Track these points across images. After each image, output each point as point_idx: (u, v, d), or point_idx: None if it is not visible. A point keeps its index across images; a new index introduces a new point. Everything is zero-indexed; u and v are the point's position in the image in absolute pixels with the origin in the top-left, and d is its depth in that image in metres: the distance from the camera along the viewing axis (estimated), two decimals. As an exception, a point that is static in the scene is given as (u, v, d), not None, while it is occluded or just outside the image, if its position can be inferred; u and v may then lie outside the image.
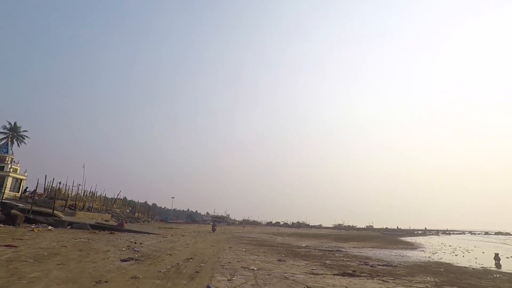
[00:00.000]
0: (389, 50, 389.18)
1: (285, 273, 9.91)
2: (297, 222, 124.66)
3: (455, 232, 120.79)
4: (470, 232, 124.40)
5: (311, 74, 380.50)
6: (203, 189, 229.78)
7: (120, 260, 10.68)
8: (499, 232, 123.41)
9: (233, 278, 8.35)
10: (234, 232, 44.79)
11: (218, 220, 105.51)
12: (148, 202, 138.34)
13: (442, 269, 14.10)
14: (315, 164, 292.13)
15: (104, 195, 54.28)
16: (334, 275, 10.25)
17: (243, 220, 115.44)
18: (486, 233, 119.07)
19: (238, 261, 12.35)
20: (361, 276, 10.17)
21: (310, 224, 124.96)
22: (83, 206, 40.18)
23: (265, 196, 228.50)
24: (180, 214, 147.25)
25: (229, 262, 11.86)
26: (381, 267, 13.79)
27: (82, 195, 44.89)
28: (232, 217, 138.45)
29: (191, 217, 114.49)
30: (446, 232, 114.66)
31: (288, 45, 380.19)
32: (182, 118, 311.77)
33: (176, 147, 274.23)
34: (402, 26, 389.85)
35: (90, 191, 48.52)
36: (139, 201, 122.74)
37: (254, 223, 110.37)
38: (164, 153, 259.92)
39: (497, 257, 19.61)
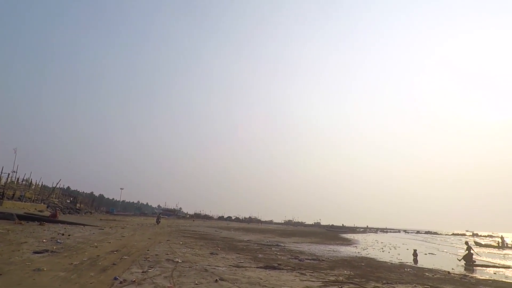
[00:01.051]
0: (381, 54, 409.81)
1: (209, 265, 9.90)
2: (249, 217, 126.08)
3: (391, 231, 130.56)
4: (405, 231, 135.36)
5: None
6: (156, 182, 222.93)
7: (33, 252, 9.86)
8: (428, 231, 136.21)
9: (150, 270, 8.13)
10: (181, 226, 43.97)
11: (169, 213, 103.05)
12: (94, 193, 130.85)
13: (363, 263, 15.13)
14: (269, 162, 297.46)
15: (41, 184, 50.09)
16: (257, 267, 10.47)
17: (195, 214, 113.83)
18: (418, 232, 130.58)
19: (167, 254, 12.09)
20: (283, 269, 10.51)
21: (261, 220, 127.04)
22: (13, 195, 36.61)
23: (219, 191, 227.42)
24: (129, 206, 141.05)
25: (156, 255, 11.55)
26: (308, 261, 14.41)
27: (13, 183, 40.90)
28: (184, 210, 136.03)
29: (140, 210, 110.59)
30: (384, 230, 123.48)
31: (281, 50, 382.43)
32: (137, 108, 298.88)
33: (128, 138, 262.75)
34: (391, 33, 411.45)
35: (23, 179, 44.41)
36: (85, 192, 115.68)
37: (206, 217, 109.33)
38: (114, 144, 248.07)
39: (415, 253, 21.52)
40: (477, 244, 47.71)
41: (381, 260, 18.29)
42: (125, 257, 10.45)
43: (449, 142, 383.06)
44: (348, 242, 35.08)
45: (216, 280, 7.38)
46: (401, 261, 18.58)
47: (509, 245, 44.82)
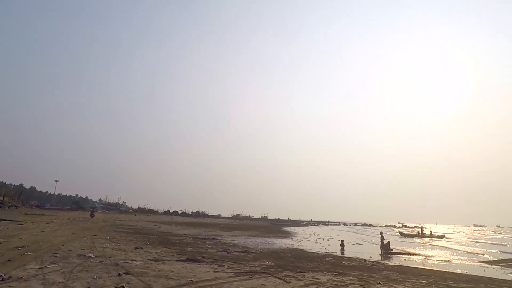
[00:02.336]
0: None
1: (123, 260, 9.46)
2: (196, 211, 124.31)
3: (332, 224, 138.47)
4: (344, 224, 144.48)
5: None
6: (97, 175, 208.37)
7: None
8: (364, 223, 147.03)
9: (49, 266, 7.50)
10: (119, 220, 41.77)
11: (110, 208, 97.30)
12: (24, 185, 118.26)
13: (289, 254, 15.74)
14: (219, 157, 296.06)
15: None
16: (177, 261, 10.28)
17: (139, 208, 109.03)
18: (355, 224, 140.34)
19: (83, 249, 11.31)
20: (203, 262, 10.45)
21: (209, 214, 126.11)
22: None
23: (166, 185, 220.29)
24: (65, 200, 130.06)
25: (69, 250, 10.73)
26: (237, 253, 14.56)
27: None
28: (128, 205, 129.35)
29: (78, 204, 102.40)
30: (325, 224, 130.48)
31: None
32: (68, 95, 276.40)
33: (64, 128, 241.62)
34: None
35: None
36: (12, 184, 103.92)
37: (150, 212, 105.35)
38: (49, 133, 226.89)
39: (342, 244, 23.00)
40: (401, 234, 52.79)
41: (310, 251, 19.22)
42: (29, 253, 9.53)
43: (392, 141, 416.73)
44: (286, 235, 36.35)
45: (120, 274, 7.05)
46: (328, 251, 19.70)
47: (426, 235, 50.27)
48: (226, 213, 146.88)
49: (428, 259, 18.95)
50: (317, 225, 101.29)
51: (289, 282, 7.64)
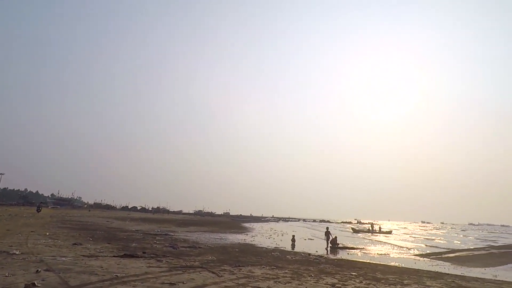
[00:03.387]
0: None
1: (52, 256, 8.88)
2: (157, 207, 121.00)
3: (293, 220, 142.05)
4: (304, 220, 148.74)
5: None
6: (50, 168, 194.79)
7: None
8: (322, 220, 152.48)
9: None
10: (68, 216, 39.43)
11: (62, 203, 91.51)
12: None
13: (237, 249, 15.83)
14: (183, 153, 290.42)
15: None
16: (114, 256, 9.88)
17: (95, 203, 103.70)
18: (314, 220, 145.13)
19: (10, 246, 10.46)
20: (141, 257, 10.14)
21: (170, 210, 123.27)
22: None
23: (126, 180, 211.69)
24: (12, 195, 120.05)
25: (-7, 247, 9.93)
26: (183, 248, 14.36)
27: None
28: (84, 200, 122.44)
29: (26, 199, 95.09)
30: (285, 220, 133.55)
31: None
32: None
33: (14, 116, 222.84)
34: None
35: None
36: None
37: (107, 207, 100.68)
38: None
39: (293, 239, 23.64)
40: (353, 230, 55.42)
41: (260, 246, 19.49)
42: None
43: (358, 140, 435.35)
44: (243, 231, 36.58)
45: (38, 271, 6.61)
46: (278, 246, 20.11)
47: (376, 231, 53.27)
48: (188, 209, 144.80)
49: (369, 253, 20.08)
50: (277, 221, 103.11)
51: (221, 276, 7.67)
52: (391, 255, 19.38)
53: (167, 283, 6.38)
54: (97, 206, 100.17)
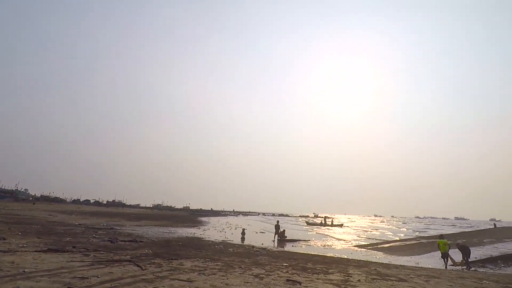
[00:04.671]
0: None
1: (-40, 252, 8.13)
2: (112, 201, 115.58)
3: (252, 214, 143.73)
4: (263, 214, 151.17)
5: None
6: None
7: None
8: (281, 214, 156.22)
9: None
10: (5, 209, 36.11)
11: (3, 195, 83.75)
12: None
13: (181, 243, 15.60)
14: (143, 147, 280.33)
15: None
16: (35, 251, 9.23)
17: (42, 196, 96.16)
18: (273, 214, 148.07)
19: None
20: (69, 252, 9.58)
21: (126, 204, 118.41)
22: None
23: (79, 171, 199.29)
24: None
25: None
26: (122, 242, 13.83)
27: None
28: (32, 192, 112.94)
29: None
30: (245, 214, 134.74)
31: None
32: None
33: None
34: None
35: None
36: None
37: (56, 200, 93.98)
38: None
39: (243, 232, 23.89)
40: (307, 223, 57.46)
41: (207, 239, 19.42)
42: None
43: (318, 135, 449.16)
44: (196, 224, 36.23)
45: None
46: (226, 239, 20.20)
47: (328, 224, 55.69)
48: (147, 203, 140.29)
49: (313, 245, 20.92)
50: (236, 216, 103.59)
51: (145, 269, 7.50)
52: (333, 247, 20.36)
53: (79, 277, 6.09)
54: (45, 199, 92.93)
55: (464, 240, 23.03)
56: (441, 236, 14.61)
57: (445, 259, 13.18)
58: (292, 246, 19.39)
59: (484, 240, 22.77)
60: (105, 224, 24.45)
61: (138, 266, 7.90)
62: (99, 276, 6.29)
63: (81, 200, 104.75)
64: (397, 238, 27.34)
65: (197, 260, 9.87)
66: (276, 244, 20.02)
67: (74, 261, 8.08)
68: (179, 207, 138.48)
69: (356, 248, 19.87)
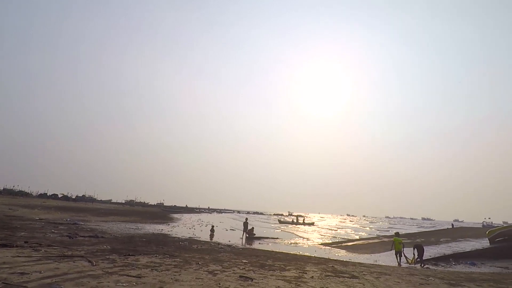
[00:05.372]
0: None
1: None
2: (82, 195, 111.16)
3: (227, 211, 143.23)
4: (238, 212, 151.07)
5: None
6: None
7: None
8: (256, 211, 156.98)
9: None
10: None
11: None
12: None
13: (145, 239, 15.27)
14: (117, 141, 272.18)
15: None
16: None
17: (4, 189, 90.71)
18: (248, 212, 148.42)
19: None
20: (18, 247, 9.11)
21: (97, 199, 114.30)
22: None
23: (47, 163, 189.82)
24: None
25: None
26: (82, 238, 13.35)
27: None
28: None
29: None
30: (220, 211, 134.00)
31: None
32: None
33: None
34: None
35: None
36: None
37: (21, 194, 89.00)
38: None
39: (212, 230, 23.77)
40: (279, 221, 58.14)
41: (174, 236, 19.14)
42: None
43: (297, 135, 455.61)
44: (167, 221, 35.66)
45: None
46: (193, 236, 20.02)
47: (300, 222, 56.62)
48: (120, 198, 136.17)
49: (281, 242, 21.18)
50: (211, 213, 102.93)
51: (96, 265, 7.27)
52: (299, 244, 20.71)
53: (19, 272, 5.80)
54: (8, 192, 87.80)
55: (423, 239, 24.22)
56: (397, 234, 15.19)
57: (399, 257, 13.75)
58: (259, 243, 19.52)
59: (441, 239, 24.00)
60: (68, 219, 23.49)
61: (89, 261, 7.65)
62: (42, 272, 6.02)
63: (48, 194, 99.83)
64: (357, 237, 28.21)
65: (155, 256, 9.70)
66: (244, 242, 20.05)
67: (20, 256, 7.70)
68: (153, 204, 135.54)
69: (321, 246, 20.33)
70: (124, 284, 5.59)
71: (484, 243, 19.89)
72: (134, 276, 6.31)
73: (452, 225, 45.39)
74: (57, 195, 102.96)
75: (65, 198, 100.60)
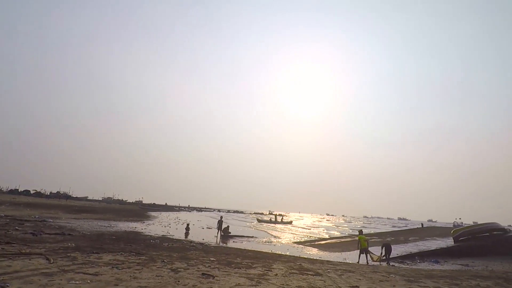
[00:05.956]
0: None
1: None
2: (57, 192, 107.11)
3: (207, 210, 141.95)
4: (219, 210, 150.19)
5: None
6: None
7: None
8: (236, 210, 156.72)
9: None
10: None
11: None
12: None
13: (114, 237, 14.87)
14: (96, 136, 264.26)
15: None
16: None
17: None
18: (228, 211, 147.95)
19: None
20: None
21: (73, 195, 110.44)
22: None
23: (23, 158, 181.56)
24: None
25: None
26: (47, 235, 12.85)
27: None
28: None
29: None
30: (200, 210, 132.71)
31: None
32: None
33: None
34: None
35: None
36: None
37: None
38: None
39: (187, 227, 23.52)
40: (258, 220, 58.32)
41: (146, 234, 18.77)
42: None
43: (280, 134, 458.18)
44: (142, 219, 34.96)
45: None
46: (166, 234, 19.70)
47: (278, 221, 57.04)
48: (97, 195, 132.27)
49: (255, 241, 21.23)
50: (190, 211, 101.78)
51: (54, 263, 7.02)
52: (274, 243, 20.84)
53: (-36, 271, 5.53)
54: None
55: (393, 238, 24.99)
56: (360, 232, 15.50)
57: (366, 255, 14.09)
58: (233, 242, 19.49)
59: (410, 238, 24.85)
60: (37, 216, 22.55)
61: (47, 259, 7.38)
62: (-9, 270, 5.75)
63: (19, 190, 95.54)
64: (328, 236, 28.73)
65: (121, 254, 9.49)
66: (218, 240, 19.95)
67: (-27, 254, 7.33)
68: (131, 201, 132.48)
69: (294, 245, 20.55)
70: (77, 282, 5.43)
71: (449, 242, 20.67)
72: (90, 274, 6.14)
73: (422, 224, 47.05)
74: (29, 191, 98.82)
75: (38, 194, 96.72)
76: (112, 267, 7.14)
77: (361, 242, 14.14)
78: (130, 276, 6.30)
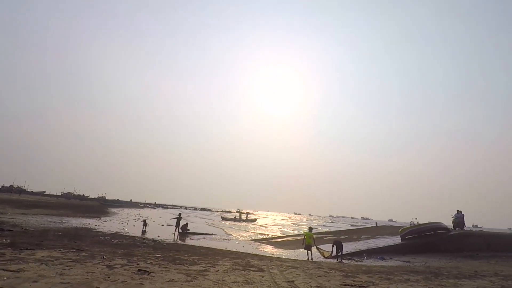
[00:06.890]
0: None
1: None
2: (10, 186, 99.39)
3: (173, 207, 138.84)
4: (185, 207, 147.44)
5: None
6: None
7: None
8: (204, 208, 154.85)
9: None
10: None
11: None
12: None
13: (61, 233, 14.10)
14: (61, 128, 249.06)
15: None
16: None
17: None
18: (195, 208, 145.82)
19: None
20: None
21: (28, 190, 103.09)
22: None
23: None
24: None
25: None
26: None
27: None
28: None
29: None
30: (166, 207, 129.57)
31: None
32: None
33: None
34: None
35: None
36: None
37: None
38: None
39: (145, 223, 22.87)
40: (222, 218, 58.08)
41: (99, 230, 18.01)
42: None
43: (253, 132, 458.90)
44: (100, 215, 33.50)
45: None
46: (121, 231, 19.04)
47: (243, 219, 57.21)
48: (57, 190, 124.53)
49: (212, 238, 21.12)
50: (155, 208, 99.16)
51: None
52: (231, 240, 20.88)
53: None
54: None
55: (346, 236, 26.03)
56: (310, 230, 15.92)
57: (309, 251, 14.45)
58: (190, 239, 19.26)
59: (362, 236, 25.98)
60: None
61: (-32, 256, 6.83)
62: None
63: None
64: (280, 234, 29.38)
65: (59, 250, 9.01)
66: (176, 237, 19.60)
67: None
68: (93, 197, 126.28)
69: (251, 242, 20.71)
70: (-8, 279, 5.08)
71: (397, 240, 21.84)
72: (11, 271, 5.76)
73: (376, 223, 49.44)
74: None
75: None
76: (42, 263, 6.76)
77: (305, 238, 14.54)
78: (57, 272, 6.00)
